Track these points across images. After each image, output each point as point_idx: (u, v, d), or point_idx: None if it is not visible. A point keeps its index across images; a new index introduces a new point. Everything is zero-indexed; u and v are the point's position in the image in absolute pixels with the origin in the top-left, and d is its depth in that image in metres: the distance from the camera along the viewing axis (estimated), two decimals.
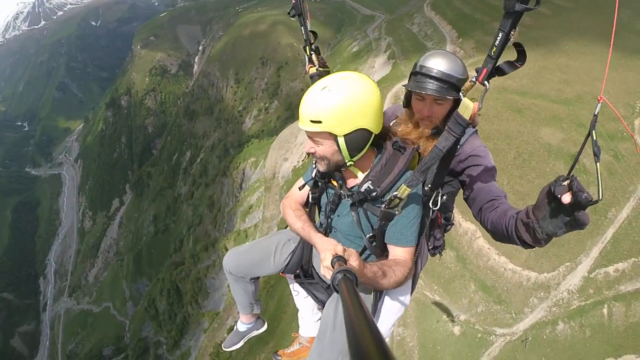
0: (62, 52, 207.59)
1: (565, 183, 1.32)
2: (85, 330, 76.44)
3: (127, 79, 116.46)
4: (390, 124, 2.48)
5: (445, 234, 2.61)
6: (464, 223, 19.69)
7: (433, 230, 2.44)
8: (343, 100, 1.83)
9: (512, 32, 1.42)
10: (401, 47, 49.54)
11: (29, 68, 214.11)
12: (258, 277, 2.79)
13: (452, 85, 2.10)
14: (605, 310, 16.85)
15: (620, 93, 24.07)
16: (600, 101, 1.38)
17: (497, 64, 1.58)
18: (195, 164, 74.82)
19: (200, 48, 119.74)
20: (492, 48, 1.51)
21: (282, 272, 2.68)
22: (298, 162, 39.08)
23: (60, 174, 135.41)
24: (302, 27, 2.60)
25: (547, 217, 1.46)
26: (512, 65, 1.55)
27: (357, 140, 1.94)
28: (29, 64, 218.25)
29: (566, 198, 1.30)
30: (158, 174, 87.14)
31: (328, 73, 2.47)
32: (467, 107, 1.69)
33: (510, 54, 1.54)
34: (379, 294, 2.33)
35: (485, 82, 1.63)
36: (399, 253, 2.10)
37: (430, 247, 2.50)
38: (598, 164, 1.30)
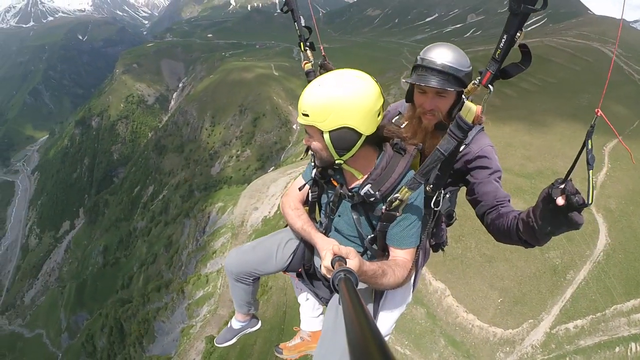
0: (43, 58, 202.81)
1: (561, 187, 1.41)
2: (13, 354, 68.76)
3: (102, 101, 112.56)
4: (393, 120, 2.46)
5: (447, 229, 2.61)
6: (434, 282, 20.56)
7: (436, 228, 2.41)
8: (328, 96, 1.80)
9: (517, 34, 1.41)
10: None
11: (6, 65, 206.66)
12: (258, 278, 2.73)
13: (454, 78, 2.02)
14: None
15: (578, 169, 25.60)
16: (598, 114, 1.43)
17: (502, 67, 1.55)
18: (156, 200, 71.61)
19: (181, 85, 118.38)
20: (496, 50, 1.48)
21: (284, 271, 2.64)
22: (269, 212, 38.05)
23: (14, 183, 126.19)
24: (295, 23, 2.51)
25: (546, 217, 1.53)
26: (517, 67, 1.54)
27: (343, 138, 1.87)
28: (8, 60, 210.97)
29: (560, 200, 1.40)
30: (116, 204, 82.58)
31: (325, 69, 2.47)
32: (470, 110, 1.67)
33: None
34: (379, 293, 2.28)
35: (489, 85, 1.60)
36: (399, 254, 2.06)
37: (433, 244, 2.48)
38: (590, 171, 1.37)
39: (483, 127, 2.29)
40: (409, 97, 2.32)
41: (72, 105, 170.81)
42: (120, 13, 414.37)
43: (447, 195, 2.22)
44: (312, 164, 2.25)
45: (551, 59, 48.05)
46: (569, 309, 19.05)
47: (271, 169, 59.40)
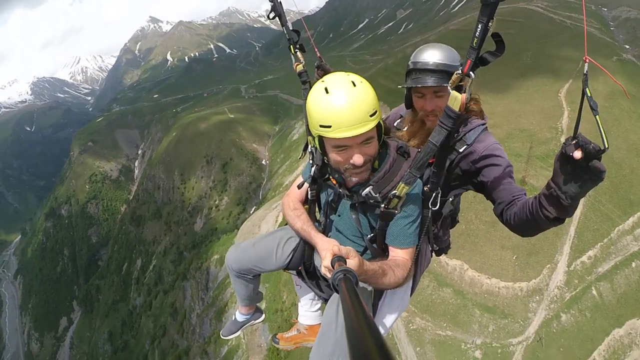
0: None
1: (573, 142, 1.41)
2: None
3: (66, 187, 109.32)
4: (395, 124, 2.51)
5: (449, 232, 2.61)
6: (450, 262, 21.44)
7: (441, 230, 2.42)
8: (370, 88, 1.80)
9: (489, 23, 1.45)
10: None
11: None
12: (259, 274, 2.71)
13: (449, 74, 1.95)
14: (594, 292, 19.69)
15: (542, 120, 28.90)
16: (587, 61, 1.44)
17: (480, 55, 1.57)
18: (147, 271, 69.17)
19: (140, 152, 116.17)
20: (473, 39, 1.51)
21: (284, 269, 2.59)
22: None
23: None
24: (283, 28, 2.54)
25: (567, 180, 1.52)
26: (494, 54, 1.56)
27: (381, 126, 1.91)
28: None
29: (577, 154, 1.39)
30: (108, 287, 79.17)
31: (323, 70, 2.53)
32: (456, 98, 1.68)
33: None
34: (378, 293, 2.27)
35: (471, 73, 1.61)
36: (399, 254, 2.05)
37: (436, 249, 2.48)
38: (597, 116, 1.37)
39: (487, 127, 2.26)
40: (408, 103, 2.32)
41: (37, 198, 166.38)
42: (62, 95, 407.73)
43: (451, 199, 2.21)
44: (311, 162, 2.18)
45: None
46: (577, 244, 20.40)
47: (253, 209, 58.86)
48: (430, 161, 1.94)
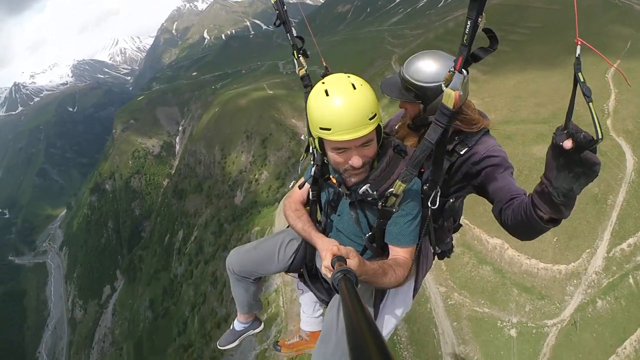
0: (41, 138, 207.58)
1: (565, 132, 1.37)
2: None
3: (109, 163, 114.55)
4: (396, 126, 2.62)
5: (453, 235, 2.63)
6: (490, 240, 21.77)
7: (441, 235, 2.42)
8: (371, 91, 1.85)
9: (479, 19, 1.42)
10: (380, 103, 53.54)
11: (8, 154, 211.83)
12: (261, 277, 2.77)
13: (413, 92, 2.19)
14: (631, 281, 19.42)
15: (578, 104, 27.47)
16: (579, 43, 1.42)
17: (471, 51, 1.56)
18: (189, 242, 72.09)
19: (181, 128, 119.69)
20: (463, 36, 1.50)
21: (286, 271, 2.65)
22: None
23: (45, 263, 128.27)
24: (287, 34, 2.61)
25: (558, 175, 1.46)
26: (486, 50, 1.55)
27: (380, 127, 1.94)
28: (8, 150, 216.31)
29: (567, 144, 1.34)
30: (150, 257, 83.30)
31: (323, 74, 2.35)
32: (450, 96, 1.67)
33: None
34: (380, 294, 2.27)
35: (463, 70, 1.61)
36: (399, 253, 2.07)
37: (438, 251, 2.49)
38: (591, 104, 1.30)
39: (488, 131, 2.34)
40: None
41: (81, 175, 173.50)
42: (102, 76, 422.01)
43: (452, 200, 2.28)
44: (312, 162, 2.30)
45: (529, 5, 49.29)
46: (618, 231, 20.02)
47: (292, 183, 59.83)
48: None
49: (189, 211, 77.44)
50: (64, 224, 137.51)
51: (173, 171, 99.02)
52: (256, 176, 69.10)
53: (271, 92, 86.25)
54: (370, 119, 1.81)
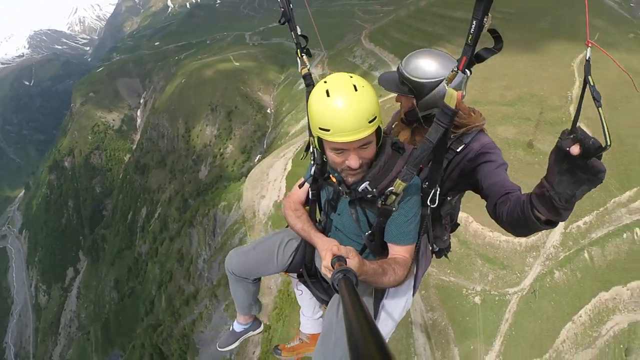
0: None
1: (571, 136, 1.32)
2: None
3: (68, 139, 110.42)
4: (393, 125, 2.68)
5: (449, 234, 2.68)
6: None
7: (438, 233, 2.49)
8: (374, 94, 1.85)
9: (485, 19, 1.44)
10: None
11: None
12: (260, 278, 2.79)
13: (407, 87, 2.26)
14: (586, 255, 21.85)
15: (555, 88, 30.91)
16: (589, 45, 1.41)
17: (476, 51, 1.58)
18: (153, 219, 71.35)
19: (142, 101, 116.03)
20: (468, 36, 1.51)
21: (285, 271, 2.67)
22: (278, 196, 39.16)
23: (5, 248, 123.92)
24: (292, 33, 2.61)
25: (561, 180, 1.43)
26: (490, 51, 1.56)
27: (380, 128, 1.95)
28: None
29: (575, 149, 1.30)
30: (113, 236, 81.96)
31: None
32: (452, 96, 1.70)
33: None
34: (380, 294, 2.32)
35: (466, 70, 1.63)
36: (398, 251, 2.10)
37: (436, 249, 2.55)
38: (600, 108, 1.30)
39: (483, 129, 2.40)
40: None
41: (39, 152, 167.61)
42: (60, 47, 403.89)
43: (449, 198, 2.35)
44: (312, 162, 2.34)
45: None
46: (575, 209, 22.66)
47: (257, 157, 59.74)
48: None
49: (152, 187, 76.46)
50: (23, 205, 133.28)
51: (135, 146, 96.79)
52: (221, 150, 68.68)
53: (237, 63, 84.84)
54: (370, 121, 1.81)
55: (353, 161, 1.94)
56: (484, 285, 21.65)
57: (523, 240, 22.05)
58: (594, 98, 1.32)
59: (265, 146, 62.43)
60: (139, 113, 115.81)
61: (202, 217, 53.89)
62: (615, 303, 21.01)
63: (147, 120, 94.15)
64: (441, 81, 2.17)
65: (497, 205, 2.00)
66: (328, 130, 1.83)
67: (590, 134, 1.27)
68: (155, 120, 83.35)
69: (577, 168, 1.34)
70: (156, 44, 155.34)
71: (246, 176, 49.58)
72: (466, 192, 2.53)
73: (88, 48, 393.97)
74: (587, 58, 1.39)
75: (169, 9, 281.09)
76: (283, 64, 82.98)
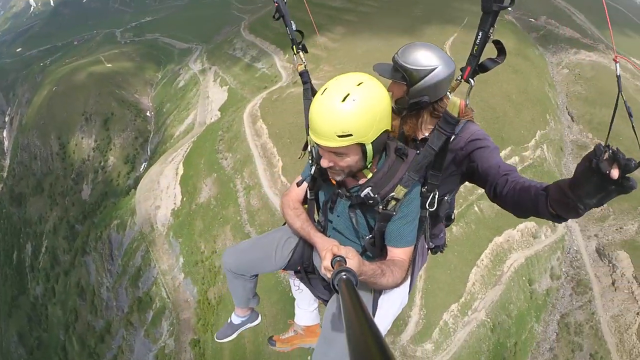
0: None
1: (606, 158, 1.32)
2: None
3: None
4: None
5: (445, 230, 2.80)
6: None
7: (435, 229, 2.56)
8: (371, 108, 1.82)
9: (491, 31, 1.53)
10: (230, 73, 52.46)
11: None
12: (257, 274, 2.80)
13: (400, 74, 2.29)
14: (476, 209, 24.09)
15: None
16: (617, 61, 1.44)
17: (480, 62, 1.67)
18: (41, 255, 65.36)
19: (7, 119, 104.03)
20: (473, 47, 1.60)
21: (283, 269, 2.69)
22: (174, 204, 38.05)
23: None
24: (287, 28, 2.63)
25: (590, 193, 1.45)
26: (494, 61, 1.64)
27: (381, 142, 1.97)
28: None
29: (615, 173, 1.29)
30: (2, 283, 74.64)
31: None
32: (455, 104, 1.81)
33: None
34: (377, 292, 2.35)
35: (470, 80, 1.72)
36: (397, 253, 2.14)
37: (432, 247, 2.59)
38: (633, 123, 1.35)
39: (472, 119, 2.37)
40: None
41: None
42: None
43: (446, 198, 2.27)
44: (310, 161, 2.31)
45: None
46: None
47: (143, 165, 57.04)
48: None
49: (32, 218, 70.05)
50: None
51: (5, 174, 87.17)
52: (102, 163, 63.85)
53: (109, 65, 79.11)
54: (340, 136, 1.81)
55: (323, 162, 1.97)
56: None
57: None
58: (628, 113, 1.34)
59: (149, 152, 59.42)
60: (5, 134, 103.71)
61: (95, 241, 50.26)
62: (509, 244, 23.75)
63: (15, 141, 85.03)
64: (432, 70, 2.17)
65: (496, 187, 2.04)
66: (309, 126, 1.93)
67: (624, 154, 1.26)
68: (25, 140, 75.22)
69: (609, 183, 1.34)
70: (18, 50, 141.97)
71: (135, 188, 46.86)
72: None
73: None
74: (617, 75, 1.41)
75: (32, 8, 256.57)
76: (159, 62, 79.21)
